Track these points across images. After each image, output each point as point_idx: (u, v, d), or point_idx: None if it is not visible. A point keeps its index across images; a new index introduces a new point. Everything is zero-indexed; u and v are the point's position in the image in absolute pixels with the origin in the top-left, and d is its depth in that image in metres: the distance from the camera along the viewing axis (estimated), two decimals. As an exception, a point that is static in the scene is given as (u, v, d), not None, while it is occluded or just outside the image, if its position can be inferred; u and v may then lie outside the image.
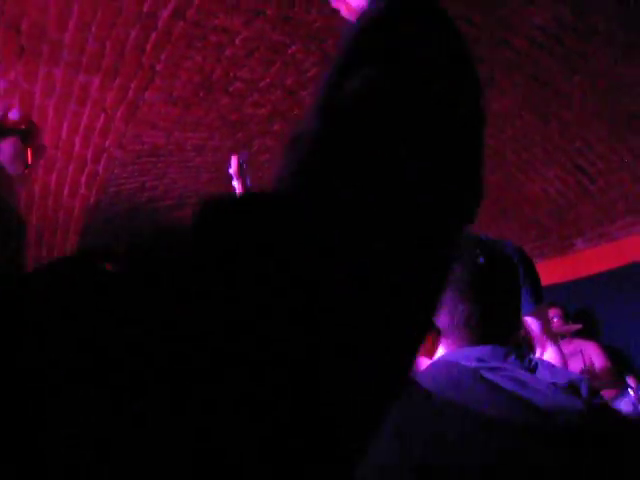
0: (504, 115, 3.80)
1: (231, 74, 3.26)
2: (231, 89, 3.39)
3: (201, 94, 3.40)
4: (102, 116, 3.47)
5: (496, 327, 0.99)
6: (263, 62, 3.19)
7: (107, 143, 3.77)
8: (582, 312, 5.19)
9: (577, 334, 4.75)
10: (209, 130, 3.82)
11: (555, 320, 4.45)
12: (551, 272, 4.74)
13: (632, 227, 4.36)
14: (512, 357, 0.92)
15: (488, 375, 0.87)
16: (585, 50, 3.21)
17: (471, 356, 0.92)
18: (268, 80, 3.35)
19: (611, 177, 4.20)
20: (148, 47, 2.95)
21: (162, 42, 2.93)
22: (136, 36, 2.88)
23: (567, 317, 5.03)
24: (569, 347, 4.54)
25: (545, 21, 3.00)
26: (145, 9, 2.70)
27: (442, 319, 0.98)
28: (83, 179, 4.09)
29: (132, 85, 3.22)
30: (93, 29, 2.80)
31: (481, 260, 0.98)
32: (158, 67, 3.11)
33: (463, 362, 0.91)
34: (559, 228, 5.15)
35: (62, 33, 2.76)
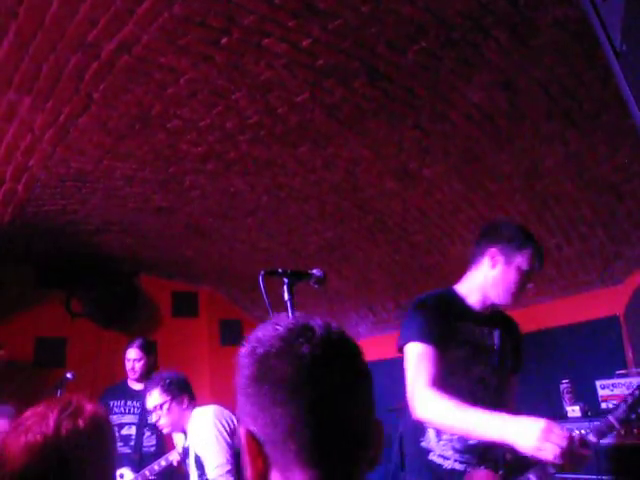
0: (434, 180, 3.93)
1: (171, 111, 3.20)
2: (169, 125, 3.33)
3: (137, 127, 3.32)
4: (28, 136, 3.31)
5: (336, 442, 0.75)
6: (205, 104, 3.16)
7: (31, 163, 3.59)
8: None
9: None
10: (141, 162, 3.72)
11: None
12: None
13: (537, 296, 4.59)
14: None
15: None
16: (513, 132, 3.39)
17: None
18: (208, 121, 3.31)
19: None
20: (87, 75, 2.86)
21: (103, 72, 2.85)
22: (76, 63, 2.78)
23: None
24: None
25: (481, 100, 3.15)
26: (89, 39, 2.62)
27: (262, 430, 0.75)
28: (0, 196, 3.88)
29: (65, 110, 3.10)
30: (30, 50, 2.69)
31: (304, 350, 0.75)
32: (95, 96, 3.02)
33: None
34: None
35: (-5, 50, 2.64)
